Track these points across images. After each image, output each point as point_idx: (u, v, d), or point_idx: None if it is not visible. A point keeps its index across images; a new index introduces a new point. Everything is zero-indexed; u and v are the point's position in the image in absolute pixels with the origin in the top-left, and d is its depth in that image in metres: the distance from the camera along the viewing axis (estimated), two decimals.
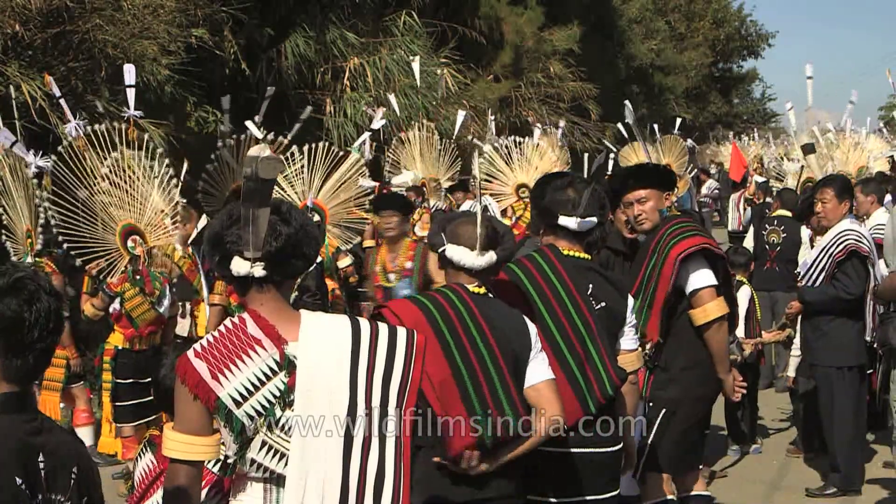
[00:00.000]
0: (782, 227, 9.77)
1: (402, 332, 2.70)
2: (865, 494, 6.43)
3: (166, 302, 6.64)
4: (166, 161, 6.84)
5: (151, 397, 6.53)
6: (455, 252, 3.46)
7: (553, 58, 21.36)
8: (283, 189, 7.84)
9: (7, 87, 8.61)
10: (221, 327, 2.59)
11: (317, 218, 8.19)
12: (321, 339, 2.58)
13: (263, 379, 2.51)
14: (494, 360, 3.32)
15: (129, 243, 6.54)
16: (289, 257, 2.59)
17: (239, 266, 2.56)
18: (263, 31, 13.67)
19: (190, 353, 2.53)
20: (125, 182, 6.56)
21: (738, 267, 7.55)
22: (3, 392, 2.08)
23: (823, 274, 6.42)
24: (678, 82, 35.98)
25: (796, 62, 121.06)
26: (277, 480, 2.55)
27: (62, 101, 7.21)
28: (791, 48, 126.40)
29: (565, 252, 3.91)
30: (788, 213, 9.91)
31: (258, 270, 2.55)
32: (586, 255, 4.00)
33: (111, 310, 6.59)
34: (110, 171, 6.47)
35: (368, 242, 10.11)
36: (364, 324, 2.66)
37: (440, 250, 3.51)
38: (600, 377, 3.73)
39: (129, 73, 7.06)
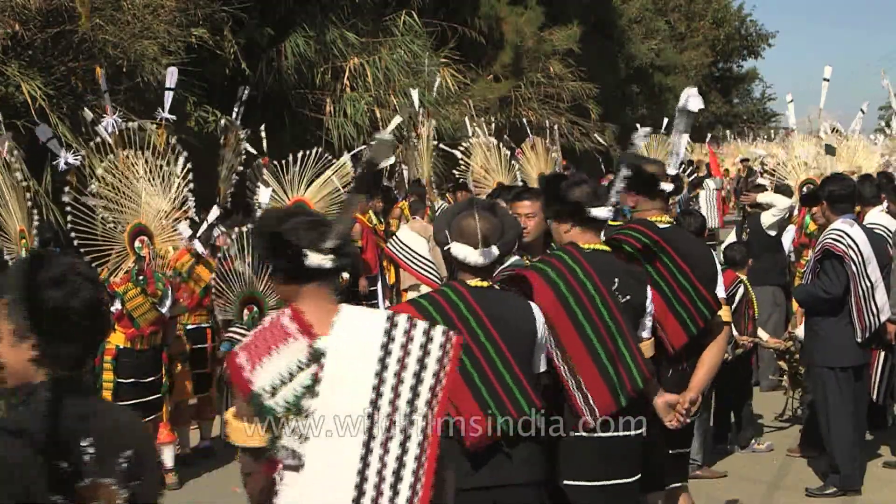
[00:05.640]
0: (745, 224, 9.77)
1: (438, 331, 2.72)
2: (865, 494, 6.43)
3: (168, 302, 6.65)
4: (182, 163, 6.85)
5: (152, 396, 6.65)
6: (459, 250, 3.46)
7: (553, 58, 21.36)
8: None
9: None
10: (264, 321, 2.72)
11: None
12: (352, 333, 2.64)
13: (294, 371, 2.60)
14: (501, 354, 3.35)
15: (136, 244, 6.56)
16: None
17: (314, 258, 2.65)
18: (263, 30, 13.67)
19: (238, 346, 2.68)
20: (134, 183, 6.60)
21: (735, 265, 7.50)
22: (53, 377, 2.14)
23: (811, 273, 6.52)
24: (678, 82, 35.86)
25: (796, 62, 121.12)
26: None
27: (106, 96, 7.22)
28: (791, 48, 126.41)
29: (589, 246, 3.97)
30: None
31: (330, 261, 2.66)
32: (607, 247, 4.06)
33: (112, 309, 6.59)
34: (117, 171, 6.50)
35: (357, 242, 10.32)
36: (401, 319, 2.69)
37: (445, 248, 3.50)
38: (631, 372, 3.80)
39: (172, 75, 7.03)
